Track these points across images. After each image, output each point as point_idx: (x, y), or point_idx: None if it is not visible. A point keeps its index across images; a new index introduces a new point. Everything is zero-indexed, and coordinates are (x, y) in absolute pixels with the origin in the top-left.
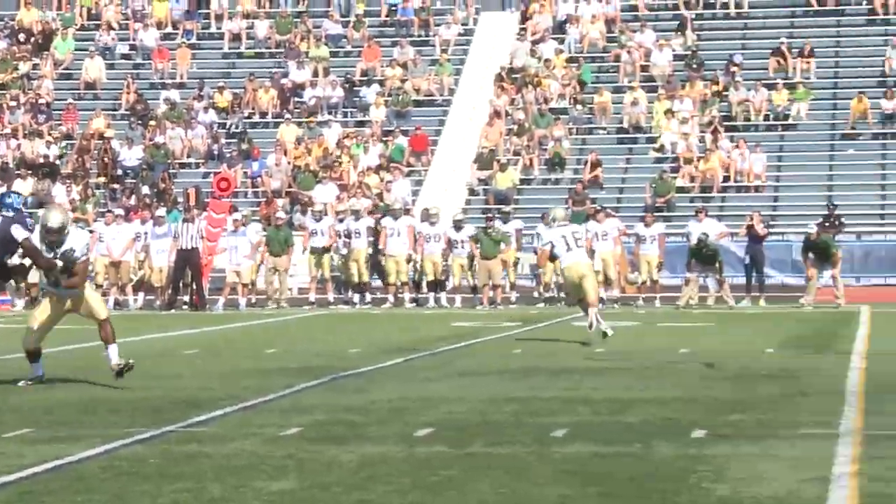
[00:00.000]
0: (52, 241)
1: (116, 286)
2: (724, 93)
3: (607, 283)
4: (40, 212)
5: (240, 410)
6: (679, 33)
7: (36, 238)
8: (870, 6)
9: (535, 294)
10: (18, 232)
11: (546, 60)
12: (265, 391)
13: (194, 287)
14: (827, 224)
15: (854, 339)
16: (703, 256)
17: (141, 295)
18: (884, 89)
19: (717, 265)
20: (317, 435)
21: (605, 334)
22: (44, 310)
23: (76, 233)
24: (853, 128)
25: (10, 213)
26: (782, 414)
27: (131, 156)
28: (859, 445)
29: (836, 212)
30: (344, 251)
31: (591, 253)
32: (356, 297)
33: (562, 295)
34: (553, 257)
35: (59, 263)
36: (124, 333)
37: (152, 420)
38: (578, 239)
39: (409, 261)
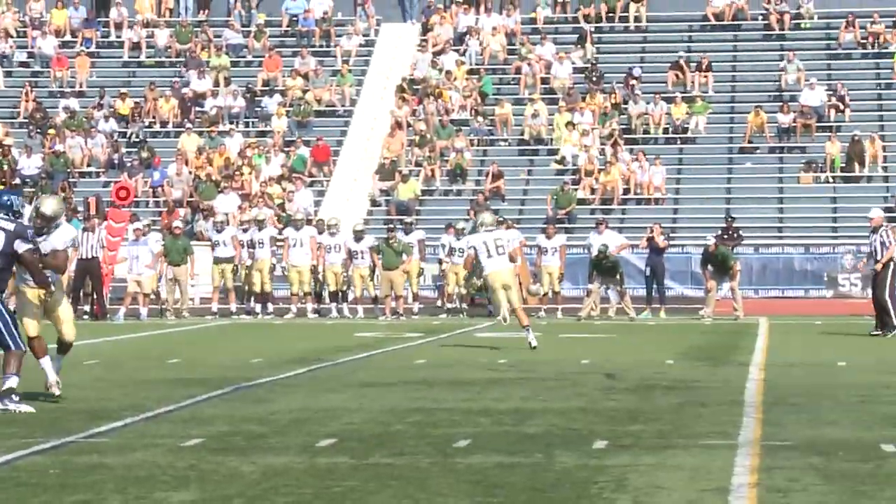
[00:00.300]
0: (40, 227)
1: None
2: (624, 105)
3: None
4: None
5: (141, 421)
6: (579, 46)
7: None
8: (765, 22)
9: (438, 303)
10: (21, 245)
11: (447, 72)
12: (166, 401)
13: (95, 296)
14: (725, 236)
15: (753, 350)
16: (604, 268)
17: None
18: (780, 103)
19: (617, 276)
20: (218, 446)
21: (530, 345)
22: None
23: (65, 227)
24: (750, 141)
25: (11, 226)
26: (682, 424)
27: (30, 164)
28: (758, 456)
29: (735, 224)
30: (249, 262)
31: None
32: (258, 308)
33: (464, 306)
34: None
35: (53, 289)
36: None
37: (52, 431)
38: (500, 246)
39: (312, 271)
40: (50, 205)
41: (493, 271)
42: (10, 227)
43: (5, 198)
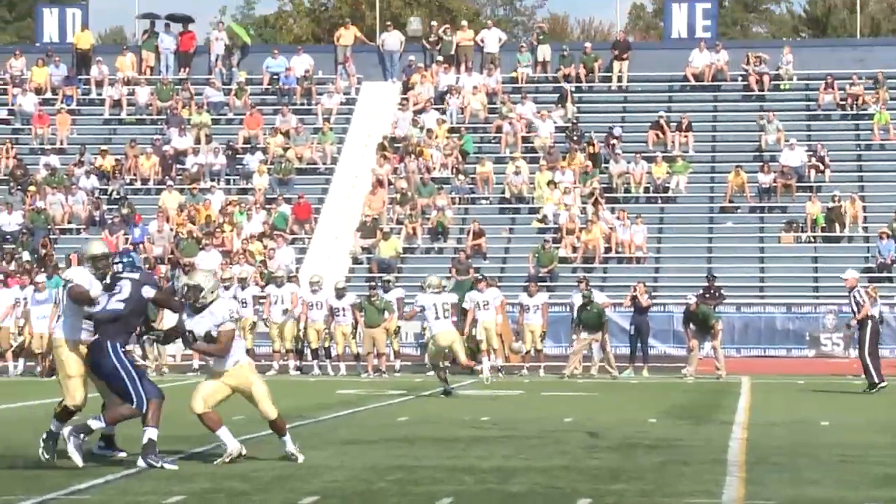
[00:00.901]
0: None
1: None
2: (605, 165)
3: (490, 352)
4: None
5: (122, 478)
6: (560, 105)
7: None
8: (745, 83)
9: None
10: (147, 291)
11: (428, 130)
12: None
13: None
14: (707, 295)
15: (735, 409)
16: (589, 315)
17: (21, 361)
18: (760, 163)
19: (602, 326)
20: (199, 503)
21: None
22: (209, 381)
23: (220, 303)
24: (731, 200)
25: (136, 275)
26: (665, 483)
27: (11, 221)
28: None
29: (716, 283)
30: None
31: (474, 322)
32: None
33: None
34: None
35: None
36: (5, 400)
37: (33, 488)
38: (447, 310)
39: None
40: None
41: (441, 332)
42: (136, 275)
43: (126, 258)
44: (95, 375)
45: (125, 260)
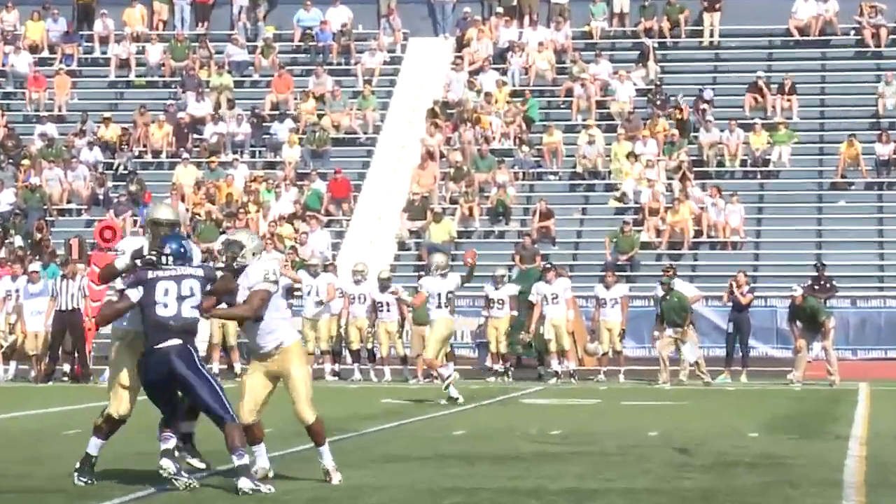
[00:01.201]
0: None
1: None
2: (694, 134)
3: (561, 354)
4: None
5: (132, 502)
6: (640, 65)
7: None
8: (858, 37)
9: (488, 364)
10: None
11: (486, 94)
12: (160, 477)
13: (76, 355)
14: (815, 287)
15: (851, 420)
16: (669, 306)
17: (13, 364)
18: (877, 132)
19: (688, 318)
20: None
21: (453, 399)
22: (251, 374)
23: (260, 262)
24: (844, 176)
25: (201, 272)
26: None
27: (1, 200)
28: None
29: (826, 273)
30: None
31: (541, 318)
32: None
33: (509, 365)
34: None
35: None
36: None
37: None
38: (450, 299)
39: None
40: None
41: (438, 318)
42: (200, 272)
43: (176, 246)
44: (166, 384)
45: (172, 247)
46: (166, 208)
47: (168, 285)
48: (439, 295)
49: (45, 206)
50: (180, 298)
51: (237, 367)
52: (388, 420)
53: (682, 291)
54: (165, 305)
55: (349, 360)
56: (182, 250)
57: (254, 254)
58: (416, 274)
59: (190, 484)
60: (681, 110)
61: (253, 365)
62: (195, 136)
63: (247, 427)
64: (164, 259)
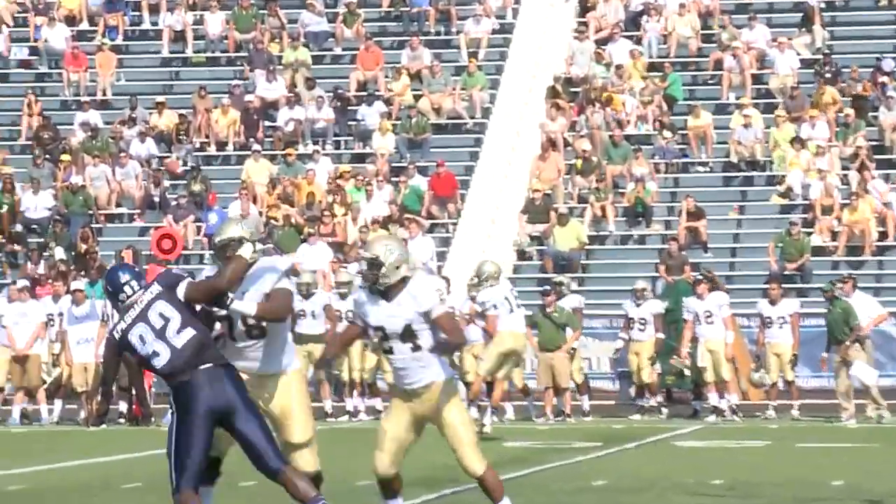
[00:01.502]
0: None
1: (22, 391)
2: (872, 114)
3: (720, 385)
4: None
5: None
6: (804, 30)
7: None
8: None
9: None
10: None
11: (617, 67)
12: None
13: (133, 391)
14: None
15: None
16: (833, 319)
17: (58, 403)
18: None
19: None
20: None
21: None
22: (393, 417)
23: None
24: None
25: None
26: None
27: (38, 204)
28: None
29: None
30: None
31: (694, 341)
32: (360, 404)
33: (659, 401)
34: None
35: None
36: (36, 458)
37: None
38: (517, 297)
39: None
40: (376, 246)
41: (510, 330)
42: (156, 288)
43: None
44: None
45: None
46: (233, 226)
47: (140, 330)
48: (507, 300)
49: (91, 211)
50: (160, 334)
51: (327, 405)
52: (513, 468)
53: (853, 303)
54: (157, 354)
55: (463, 393)
56: (110, 285)
57: (397, 267)
58: (539, 289)
59: None
60: (860, 84)
61: (394, 403)
62: (267, 123)
63: (385, 480)
64: (120, 298)
